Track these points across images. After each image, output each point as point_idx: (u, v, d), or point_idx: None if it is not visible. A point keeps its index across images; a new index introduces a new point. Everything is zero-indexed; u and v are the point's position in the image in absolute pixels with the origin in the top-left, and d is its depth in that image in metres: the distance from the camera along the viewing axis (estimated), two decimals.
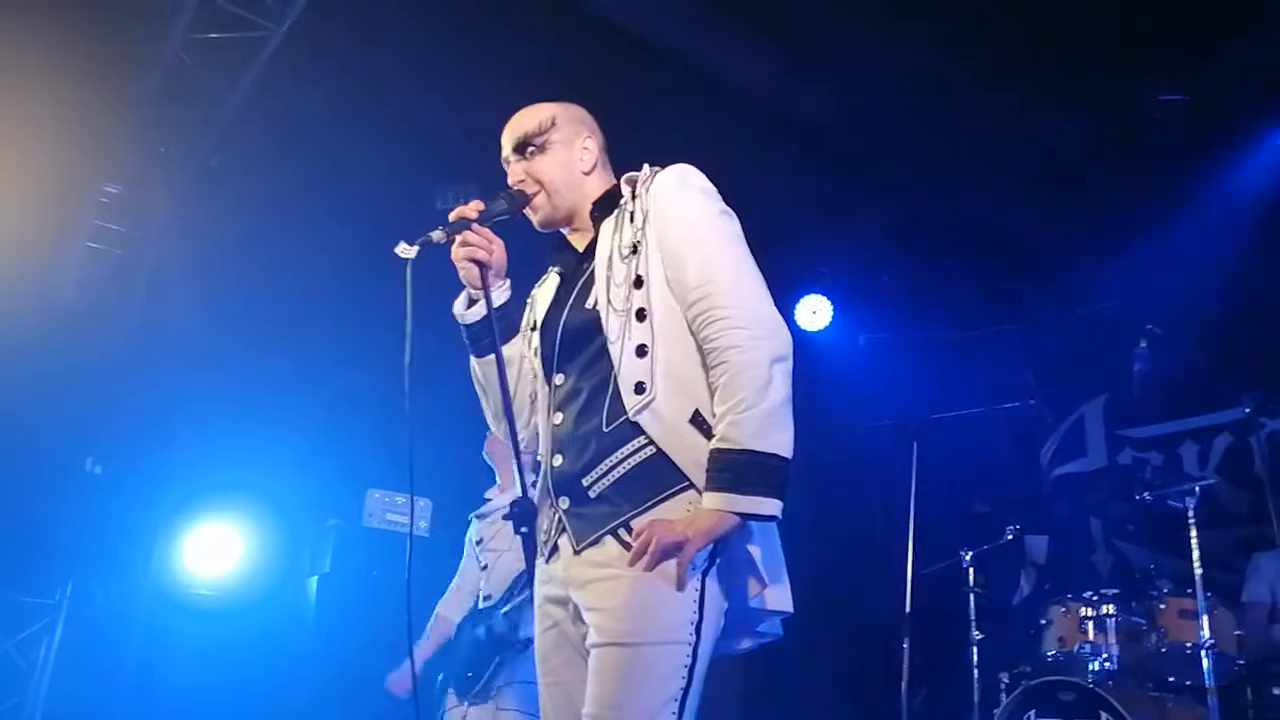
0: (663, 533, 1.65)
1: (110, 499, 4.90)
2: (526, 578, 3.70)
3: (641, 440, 1.76)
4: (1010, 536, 4.16)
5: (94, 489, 4.89)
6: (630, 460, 1.76)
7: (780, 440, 1.70)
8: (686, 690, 1.63)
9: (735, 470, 1.68)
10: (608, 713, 1.62)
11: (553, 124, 1.99)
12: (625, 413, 1.77)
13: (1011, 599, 4.67)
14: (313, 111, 4.78)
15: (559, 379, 1.89)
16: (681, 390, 1.78)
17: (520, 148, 1.98)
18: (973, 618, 4.13)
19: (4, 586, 4.62)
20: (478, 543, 4.03)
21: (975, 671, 4.04)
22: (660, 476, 1.74)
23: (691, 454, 1.73)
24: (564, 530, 1.82)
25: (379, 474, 5.48)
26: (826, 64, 4.47)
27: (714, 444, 1.71)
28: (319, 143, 4.90)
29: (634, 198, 1.91)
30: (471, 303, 1.99)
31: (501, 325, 1.97)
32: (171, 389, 5.14)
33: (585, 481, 1.79)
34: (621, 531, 1.73)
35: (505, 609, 3.77)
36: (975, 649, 4.07)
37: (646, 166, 1.95)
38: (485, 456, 4.10)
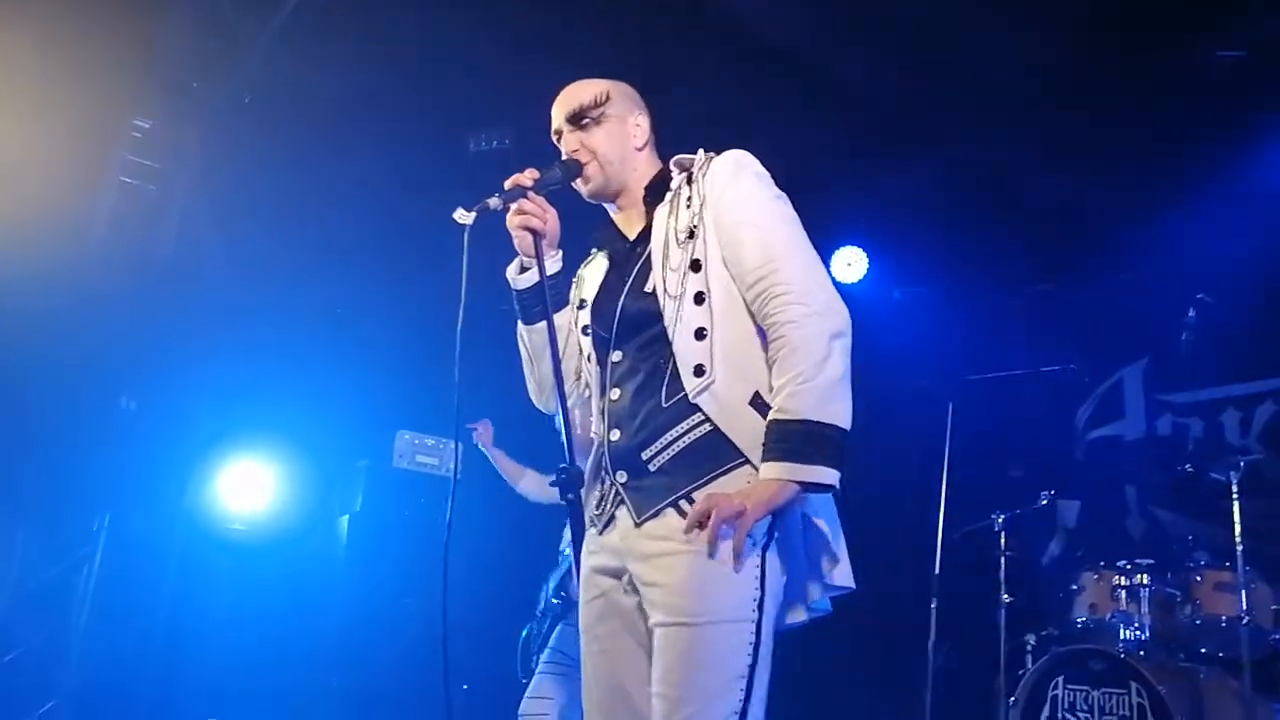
0: (722, 504, 1.66)
1: (145, 436, 4.95)
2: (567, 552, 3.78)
3: (699, 417, 1.78)
4: (1044, 502, 4.13)
5: (129, 426, 4.94)
6: (690, 435, 1.78)
7: (838, 411, 1.72)
8: (753, 667, 1.65)
9: (793, 440, 1.69)
10: (675, 691, 1.65)
11: (607, 98, 2.00)
12: (685, 393, 1.79)
13: (1040, 561, 4.65)
14: (345, 49, 4.68)
15: (616, 356, 1.90)
16: (741, 373, 1.80)
17: (575, 118, 2.00)
18: (1002, 580, 4.12)
19: (43, 520, 4.69)
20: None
21: (1002, 633, 4.04)
22: (719, 451, 1.77)
23: (750, 433, 1.75)
24: (621, 503, 1.84)
25: (409, 415, 5.51)
26: (870, 22, 4.34)
27: (772, 415, 1.73)
28: (352, 80, 4.81)
29: (689, 182, 1.91)
30: (523, 270, 2.01)
31: (553, 295, 1.98)
32: (204, 327, 5.14)
33: (644, 455, 1.81)
34: (683, 503, 1.76)
35: (559, 571, 3.81)
36: (1003, 611, 4.06)
37: (701, 151, 1.95)
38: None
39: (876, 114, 4.85)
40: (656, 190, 1.98)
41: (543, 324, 1.95)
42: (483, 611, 4.74)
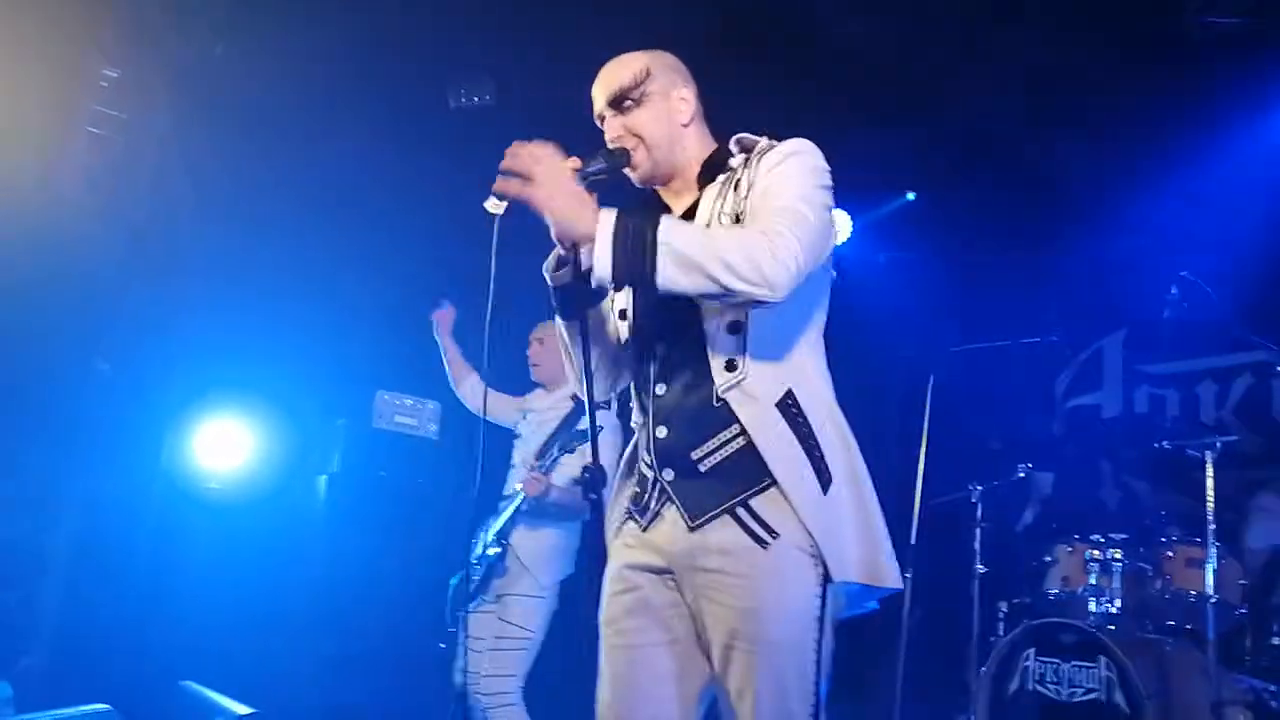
0: None
1: (120, 396, 4.89)
2: (509, 496, 3.82)
3: (735, 429, 1.74)
4: (1022, 474, 4.16)
5: (103, 386, 4.87)
6: (734, 444, 1.75)
7: (670, 271, 1.64)
8: (818, 681, 1.68)
9: (636, 235, 1.65)
10: (745, 711, 1.68)
11: (647, 75, 1.90)
12: (715, 388, 1.75)
13: (1015, 530, 4.71)
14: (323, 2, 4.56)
15: (661, 349, 1.85)
16: (774, 370, 1.76)
17: (616, 102, 1.90)
18: (977, 550, 4.16)
19: (15, 480, 4.64)
20: (516, 438, 4.03)
21: (976, 603, 4.09)
22: (756, 464, 1.73)
23: (776, 445, 1.72)
24: (669, 501, 1.80)
25: (388, 375, 5.47)
26: None
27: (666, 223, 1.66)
28: (326, 33, 4.69)
29: (745, 165, 1.83)
30: (561, 264, 1.87)
31: (590, 289, 1.85)
32: (179, 286, 5.06)
33: (695, 455, 1.78)
34: (740, 510, 1.73)
35: (498, 519, 3.84)
36: (977, 582, 4.12)
37: (765, 139, 1.87)
38: (533, 356, 4.03)
39: (864, 76, 4.77)
40: (711, 169, 1.90)
41: (578, 322, 1.86)
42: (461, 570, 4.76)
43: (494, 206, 1.75)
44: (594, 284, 1.69)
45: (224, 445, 5.14)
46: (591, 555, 1.78)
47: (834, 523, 1.71)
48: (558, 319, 1.96)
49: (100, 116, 5.03)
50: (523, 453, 3.91)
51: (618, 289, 1.77)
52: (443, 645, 5.15)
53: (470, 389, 4.24)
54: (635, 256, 1.63)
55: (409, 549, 5.11)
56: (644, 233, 1.63)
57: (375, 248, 5.53)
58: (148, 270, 4.91)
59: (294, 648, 4.68)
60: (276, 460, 5.25)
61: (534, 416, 3.94)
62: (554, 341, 3.96)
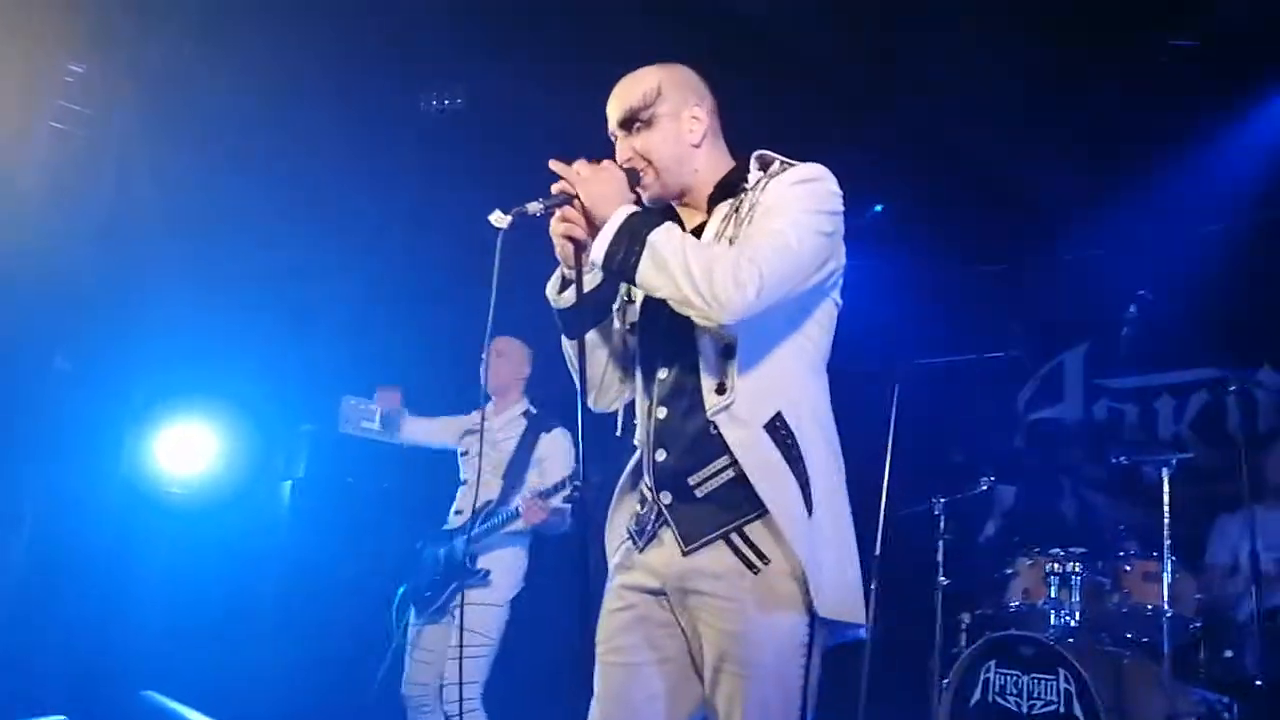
0: None
1: (81, 396, 4.81)
2: (489, 512, 3.88)
3: (728, 458, 1.75)
4: (984, 487, 4.22)
5: (63, 385, 4.80)
6: (728, 471, 1.76)
7: (648, 270, 1.72)
8: (803, 708, 1.70)
9: (635, 230, 1.74)
10: None
11: (658, 94, 1.89)
12: (705, 412, 1.77)
13: (977, 541, 4.77)
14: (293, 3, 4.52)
15: (663, 373, 1.86)
16: (764, 392, 1.76)
17: (626, 123, 1.91)
18: (940, 563, 4.22)
19: None
20: (463, 455, 4.07)
21: (939, 615, 4.15)
22: (748, 494, 1.75)
23: (764, 471, 1.72)
24: (666, 524, 1.82)
25: (355, 380, 5.42)
26: None
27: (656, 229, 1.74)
28: (299, 35, 4.65)
29: (755, 188, 1.84)
30: (565, 285, 1.90)
31: (593, 310, 1.92)
32: (143, 285, 4.99)
33: (691, 480, 1.79)
34: (734, 536, 1.74)
35: (466, 536, 3.89)
36: (940, 594, 4.17)
37: (778, 162, 1.87)
38: (486, 374, 3.92)
39: (830, 85, 4.81)
40: (725, 189, 1.89)
41: (579, 341, 1.91)
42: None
43: (498, 220, 1.79)
44: (588, 266, 1.77)
45: (187, 449, 5.08)
46: (574, 571, 1.76)
47: (816, 552, 1.71)
48: (563, 339, 1.99)
49: (64, 112, 4.96)
50: (472, 471, 4.01)
51: (605, 275, 1.79)
52: (396, 645, 5.14)
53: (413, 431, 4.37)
54: (626, 249, 1.71)
55: (374, 556, 5.07)
56: (641, 230, 1.71)
57: (344, 251, 5.49)
58: (111, 268, 4.84)
59: (257, 657, 4.64)
60: (241, 465, 5.20)
61: (487, 435, 4.01)
62: (513, 355, 4.08)
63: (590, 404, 2.05)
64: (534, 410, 4.07)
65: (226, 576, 4.80)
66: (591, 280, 1.90)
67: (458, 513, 4.00)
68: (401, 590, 4.10)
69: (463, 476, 4.05)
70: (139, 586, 4.69)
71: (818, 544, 1.71)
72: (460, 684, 3.55)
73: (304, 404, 5.35)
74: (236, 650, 4.59)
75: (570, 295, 1.87)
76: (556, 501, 3.69)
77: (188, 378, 5.03)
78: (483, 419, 3.88)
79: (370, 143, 5.16)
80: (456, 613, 3.82)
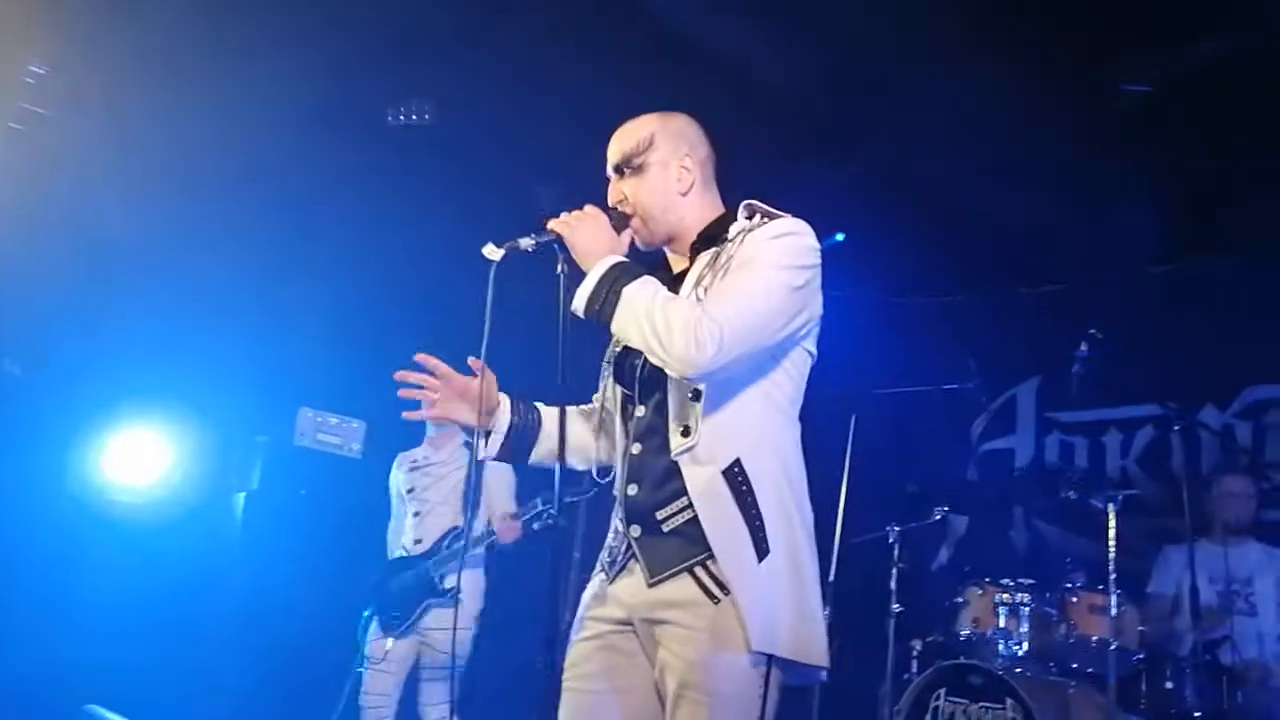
0: None
1: (29, 401, 4.72)
2: (455, 534, 4.10)
3: (689, 499, 1.80)
4: (938, 517, 4.29)
5: (11, 390, 4.70)
6: (690, 510, 1.80)
7: (622, 316, 1.82)
8: None
9: (611, 280, 1.84)
10: None
11: (650, 143, 1.98)
12: (669, 453, 1.82)
13: (930, 568, 4.84)
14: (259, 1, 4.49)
15: (640, 411, 1.92)
16: (726, 438, 1.81)
17: (619, 167, 2.00)
18: (893, 590, 4.27)
19: None
20: (408, 491, 4.18)
21: (890, 642, 4.19)
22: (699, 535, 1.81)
23: (716, 512, 1.78)
24: (634, 557, 1.87)
25: (312, 392, 5.38)
26: (795, 23, 4.36)
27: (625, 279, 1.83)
28: (264, 36, 4.62)
29: (734, 239, 1.89)
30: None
31: (526, 448, 2.10)
32: (98, 289, 4.92)
33: (659, 515, 1.85)
34: (698, 570, 1.78)
35: (433, 559, 4.11)
36: (893, 621, 4.22)
37: (759, 215, 1.93)
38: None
39: (793, 117, 4.87)
40: (707, 239, 1.96)
41: (539, 450, 2.09)
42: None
43: (491, 253, 1.85)
44: (572, 311, 1.84)
45: (137, 457, 5.00)
46: (543, 594, 1.82)
47: (764, 593, 1.74)
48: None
49: (23, 113, 4.89)
50: (423, 503, 4.24)
51: (585, 318, 1.84)
52: (361, 670, 5.08)
53: None
54: (604, 300, 1.80)
55: (328, 570, 5.01)
56: (620, 281, 1.80)
57: (306, 261, 5.44)
58: (67, 272, 4.76)
59: (206, 671, 4.57)
60: (193, 475, 5.12)
61: (434, 469, 4.29)
62: None
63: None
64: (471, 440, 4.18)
65: (175, 588, 4.72)
66: (502, 422, 2.08)
67: (417, 541, 4.18)
68: (367, 614, 4.25)
69: (414, 510, 4.26)
70: (85, 597, 4.58)
71: (771, 588, 1.75)
72: (453, 702, 3.93)
73: (261, 414, 5.30)
74: (184, 664, 4.51)
75: (495, 446, 2.09)
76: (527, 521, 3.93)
77: (141, 385, 4.95)
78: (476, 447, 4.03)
79: (336, 155, 5.14)
80: (425, 632, 4.09)
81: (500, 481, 4.23)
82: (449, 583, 4.01)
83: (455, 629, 3.98)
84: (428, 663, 4.09)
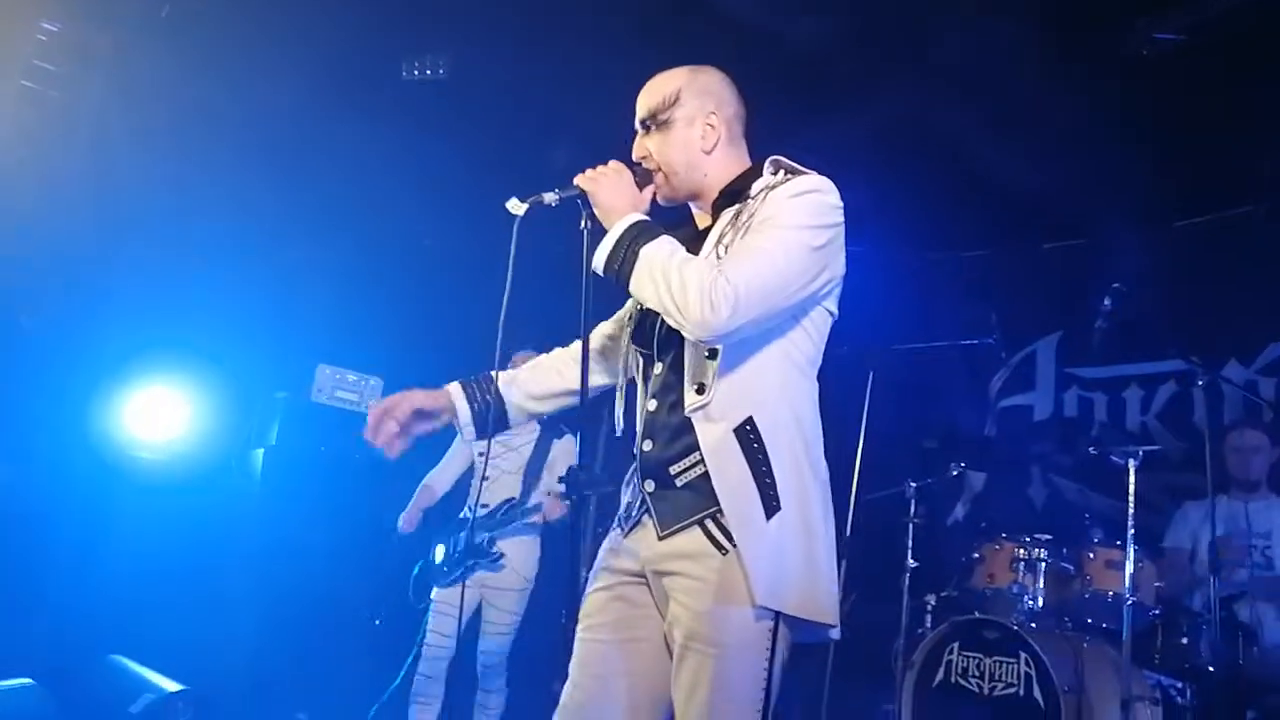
0: None
1: (49, 357, 4.75)
2: (510, 504, 4.25)
3: (698, 456, 1.81)
4: (955, 473, 4.27)
5: (31, 346, 4.74)
6: (703, 465, 1.82)
7: (639, 275, 1.83)
8: (768, 690, 1.74)
9: (631, 237, 1.85)
10: (694, 711, 1.75)
11: (677, 99, 1.97)
12: (683, 409, 1.83)
13: (946, 524, 4.84)
14: None
15: (656, 369, 1.93)
16: (739, 396, 1.81)
17: (645, 122, 1.99)
18: (909, 546, 4.27)
19: None
20: (479, 455, 4.39)
21: (905, 597, 4.20)
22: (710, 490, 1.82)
23: (726, 469, 1.78)
24: (648, 510, 1.88)
25: (332, 349, 5.40)
26: None
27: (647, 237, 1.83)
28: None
29: (757, 196, 1.87)
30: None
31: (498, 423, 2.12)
32: (116, 246, 4.93)
33: (672, 470, 1.86)
34: (708, 523, 1.79)
35: (490, 526, 4.24)
36: (908, 576, 4.23)
37: (783, 171, 1.90)
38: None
39: (811, 67, 4.80)
40: (730, 195, 1.94)
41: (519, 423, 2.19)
42: (397, 548, 4.75)
43: (515, 207, 1.87)
44: (593, 269, 1.84)
45: (157, 413, 5.03)
46: (567, 559, 1.85)
47: (771, 550, 1.74)
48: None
49: (36, 70, 4.87)
50: (494, 469, 4.35)
51: (604, 276, 1.84)
52: (378, 622, 5.15)
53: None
54: (623, 259, 1.80)
55: (344, 525, 5.07)
56: (639, 241, 1.80)
57: (323, 218, 5.44)
58: (84, 228, 4.78)
59: (226, 623, 4.63)
60: (212, 431, 5.17)
61: (507, 439, 4.35)
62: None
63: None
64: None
65: (196, 543, 4.78)
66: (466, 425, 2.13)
67: (483, 506, 4.31)
68: (418, 568, 4.45)
69: (485, 474, 4.37)
70: (107, 550, 4.65)
71: (779, 545, 1.75)
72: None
73: (279, 371, 5.32)
74: (204, 616, 4.57)
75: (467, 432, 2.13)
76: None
77: (160, 341, 4.98)
78: (490, 424, 4.11)
79: (351, 111, 5.10)
80: (484, 587, 4.27)
81: (567, 454, 4.37)
82: (496, 548, 4.20)
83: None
84: (486, 615, 4.27)
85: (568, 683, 1.89)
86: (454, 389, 2.12)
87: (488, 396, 2.11)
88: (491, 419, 2.10)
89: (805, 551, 1.77)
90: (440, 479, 4.54)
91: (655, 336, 1.93)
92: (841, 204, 1.86)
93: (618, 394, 2.09)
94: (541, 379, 2.15)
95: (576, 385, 1.97)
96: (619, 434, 2.06)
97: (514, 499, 4.28)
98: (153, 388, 5.04)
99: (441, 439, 4.50)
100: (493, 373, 2.12)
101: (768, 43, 4.55)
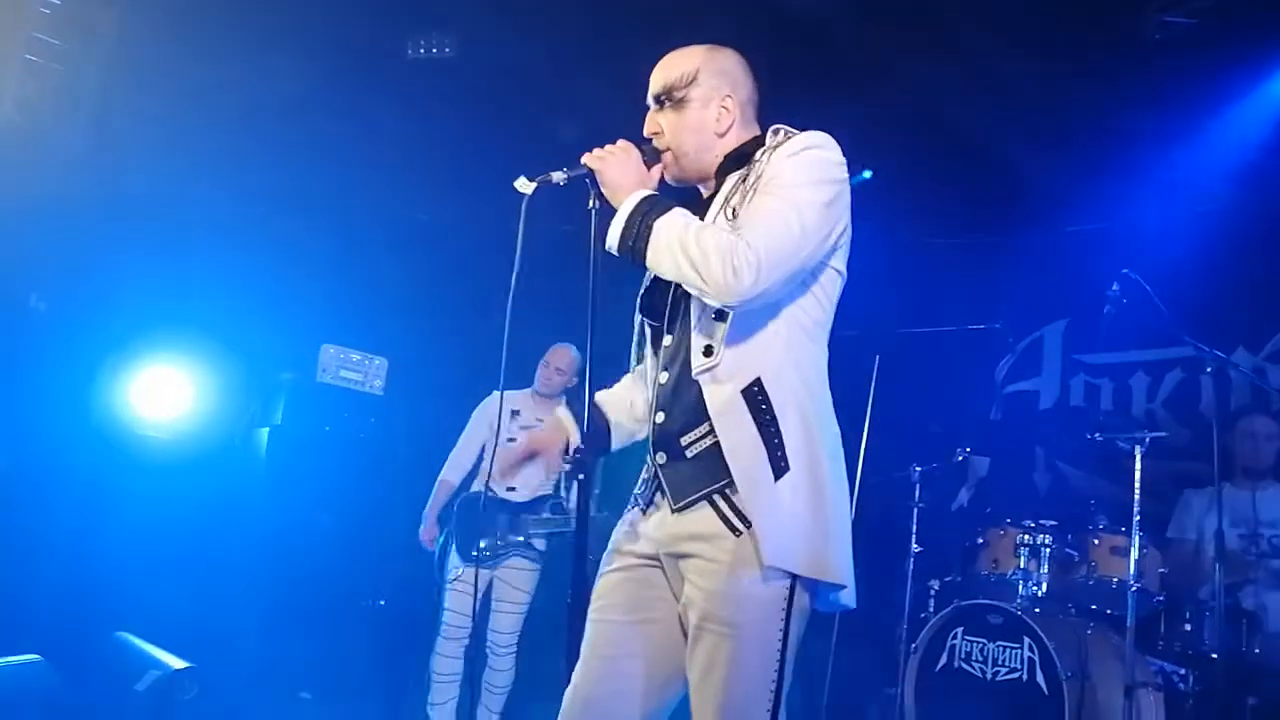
0: None
1: (55, 336, 4.75)
2: (555, 504, 4.28)
3: (708, 426, 1.80)
4: (960, 458, 4.27)
5: (38, 326, 4.73)
6: (714, 434, 1.81)
7: (656, 250, 1.82)
8: (781, 669, 1.74)
9: (643, 213, 1.84)
10: (712, 690, 1.75)
11: (693, 78, 1.94)
12: (690, 371, 1.82)
13: (950, 509, 4.84)
14: None
15: (667, 340, 1.92)
16: (748, 358, 1.80)
17: (659, 98, 1.97)
18: (914, 530, 4.28)
19: None
20: (509, 440, 4.26)
21: (909, 582, 4.21)
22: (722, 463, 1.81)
23: (735, 431, 1.77)
24: (660, 487, 1.88)
25: (336, 329, 5.39)
26: None
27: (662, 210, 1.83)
28: None
29: (761, 158, 1.86)
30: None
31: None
32: (121, 224, 4.91)
33: (683, 441, 1.85)
34: (718, 499, 1.79)
35: (533, 519, 4.26)
36: (912, 560, 4.23)
37: (784, 131, 1.89)
38: (547, 379, 4.47)
39: (821, 48, 4.76)
40: (736, 159, 1.93)
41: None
42: (402, 527, 4.76)
43: (524, 186, 1.87)
44: (606, 248, 1.84)
45: (163, 392, 5.03)
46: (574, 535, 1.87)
47: (778, 510, 1.74)
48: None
49: (38, 44, 4.84)
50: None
51: (619, 255, 1.84)
52: (382, 602, 5.17)
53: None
54: (636, 235, 1.79)
55: (349, 505, 5.08)
56: (651, 215, 1.79)
57: (328, 197, 5.42)
58: (88, 206, 4.76)
59: (231, 601, 4.65)
60: (217, 411, 5.16)
61: (536, 428, 4.24)
62: (568, 368, 4.38)
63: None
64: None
65: (201, 522, 4.79)
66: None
67: (510, 489, 4.27)
68: (442, 537, 4.37)
69: (510, 437, 4.30)
70: (114, 529, 4.65)
71: (788, 505, 1.74)
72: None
73: (283, 350, 5.32)
74: (210, 594, 4.59)
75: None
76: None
77: (165, 320, 4.97)
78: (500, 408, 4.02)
79: (357, 88, 5.08)
80: (501, 568, 4.26)
81: None
82: (539, 545, 4.23)
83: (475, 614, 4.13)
84: (499, 594, 4.26)
85: (579, 663, 1.89)
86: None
87: (598, 424, 2.11)
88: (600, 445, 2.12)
89: (815, 512, 1.76)
90: (455, 470, 4.52)
91: (666, 307, 1.93)
92: (844, 159, 1.85)
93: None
94: (638, 402, 2.13)
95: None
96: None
97: (559, 499, 4.29)
98: (158, 367, 5.03)
99: (451, 431, 4.57)
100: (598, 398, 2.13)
101: (777, 22, 4.51)
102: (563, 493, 4.33)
